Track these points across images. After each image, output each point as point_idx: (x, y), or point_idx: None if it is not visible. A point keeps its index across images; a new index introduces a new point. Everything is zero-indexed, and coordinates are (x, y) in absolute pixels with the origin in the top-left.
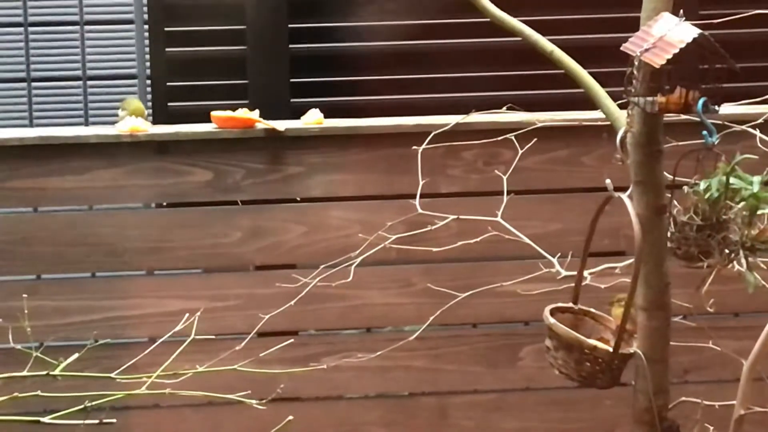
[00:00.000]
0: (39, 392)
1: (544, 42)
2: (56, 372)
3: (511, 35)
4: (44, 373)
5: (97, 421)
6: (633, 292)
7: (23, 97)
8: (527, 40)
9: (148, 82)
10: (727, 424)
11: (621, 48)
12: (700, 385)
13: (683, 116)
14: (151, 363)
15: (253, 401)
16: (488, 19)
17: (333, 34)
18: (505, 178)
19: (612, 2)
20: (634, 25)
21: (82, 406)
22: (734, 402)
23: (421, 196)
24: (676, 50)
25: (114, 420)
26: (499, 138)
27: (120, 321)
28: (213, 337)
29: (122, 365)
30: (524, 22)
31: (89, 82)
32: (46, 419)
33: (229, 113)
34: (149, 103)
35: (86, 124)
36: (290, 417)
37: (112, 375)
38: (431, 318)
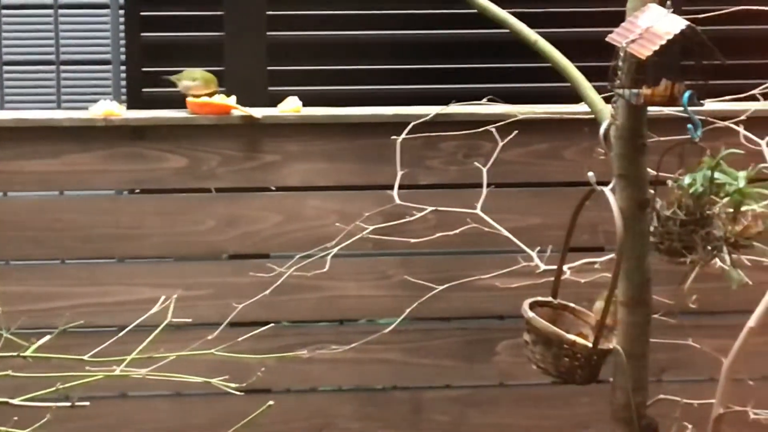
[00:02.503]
0: (10, 372)
1: (528, 32)
2: (27, 353)
3: (494, 26)
4: (15, 354)
5: (69, 404)
6: (614, 286)
7: None
8: (511, 29)
9: (123, 67)
10: (705, 423)
11: (607, 38)
12: (677, 384)
13: (666, 111)
14: (121, 351)
15: (230, 384)
16: (471, 10)
17: (312, 22)
18: (484, 170)
19: None
20: (618, 20)
21: (53, 389)
22: (713, 401)
23: (400, 187)
24: (663, 42)
25: (87, 403)
26: (479, 130)
27: (90, 308)
28: (189, 320)
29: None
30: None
31: (63, 67)
32: (15, 401)
33: (205, 99)
34: (123, 89)
35: (59, 109)
36: (270, 402)
37: (85, 357)
38: (407, 311)
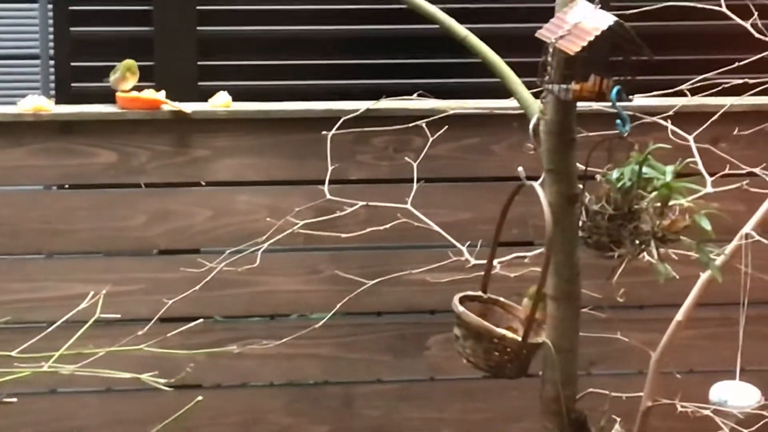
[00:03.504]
0: None
1: (458, 27)
2: None
3: (425, 21)
4: None
5: None
6: (543, 281)
7: None
8: (441, 25)
9: (52, 62)
10: (633, 416)
11: (536, 34)
12: (606, 377)
13: (595, 106)
14: (50, 347)
15: (160, 380)
16: (401, 6)
17: (242, 17)
18: (415, 165)
19: None
20: (547, 16)
21: None
22: (641, 394)
23: (330, 182)
24: (591, 38)
25: (15, 399)
26: (410, 125)
27: (18, 304)
28: (119, 316)
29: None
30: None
31: None
32: None
33: (134, 94)
34: (52, 84)
35: None
36: (200, 397)
37: (13, 353)
38: (338, 306)
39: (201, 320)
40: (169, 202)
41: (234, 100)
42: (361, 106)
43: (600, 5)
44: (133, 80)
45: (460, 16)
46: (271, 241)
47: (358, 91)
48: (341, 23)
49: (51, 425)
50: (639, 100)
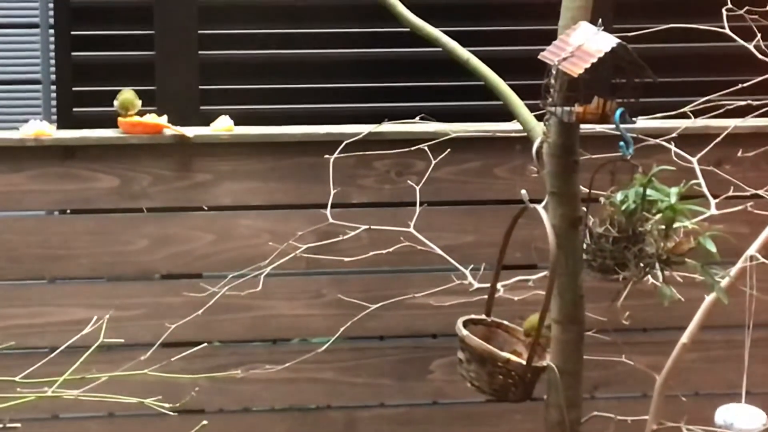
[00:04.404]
0: None
1: (461, 50)
2: None
3: (426, 44)
4: None
5: (0, 426)
6: (547, 304)
7: None
8: (444, 47)
9: (53, 87)
10: None
11: (539, 56)
12: (611, 400)
13: (599, 128)
14: (53, 372)
15: (164, 405)
16: (404, 29)
17: (244, 41)
18: (417, 188)
19: (529, 14)
20: (550, 38)
21: None
22: (646, 417)
23: (333, 205)
24: (595, 60)
25: (19, 425)
26: (412, 148)
27: (21, 329)
28: (122, 340)
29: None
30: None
31: None
32: None
33: (136, 119)
34: (53, 109)
35: None
36: (205, 422)
37: (16, 379)
38: (340, 330)
39: (204, 345)
40: (171, 227)
41: (236, 123)
42: (363, 129)
43: (603, 27)
44: (134, 110)
45: (463, 39)
46: (274, 265)
47: (360, 115)
48: (343, 47)
49: None
50: (642, 122)
